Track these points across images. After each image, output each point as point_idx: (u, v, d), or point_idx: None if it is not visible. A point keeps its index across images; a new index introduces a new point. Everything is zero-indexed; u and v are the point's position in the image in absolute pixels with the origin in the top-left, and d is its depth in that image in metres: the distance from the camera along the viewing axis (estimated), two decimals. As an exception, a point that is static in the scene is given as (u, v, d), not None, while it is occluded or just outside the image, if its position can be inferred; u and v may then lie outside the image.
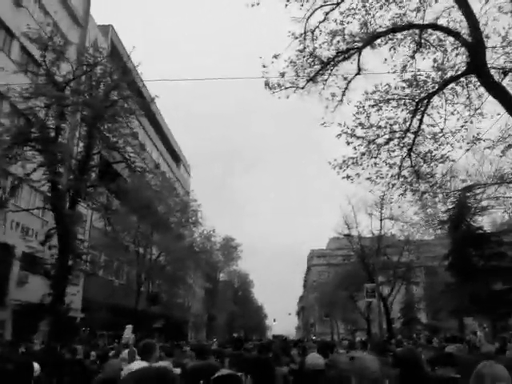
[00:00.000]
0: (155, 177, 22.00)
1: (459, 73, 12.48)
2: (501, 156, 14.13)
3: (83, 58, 16.18)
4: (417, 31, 12.97)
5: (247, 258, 74.24)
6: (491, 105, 13.02)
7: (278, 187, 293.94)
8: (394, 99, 13.77)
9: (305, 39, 12.65)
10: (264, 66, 12.42)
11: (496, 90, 11.06)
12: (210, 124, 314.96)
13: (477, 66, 11.18)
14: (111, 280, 30.32)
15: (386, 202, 28.21)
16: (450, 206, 24.57)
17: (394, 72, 13.89)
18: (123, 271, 32.59)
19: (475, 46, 11.09)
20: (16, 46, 20.03)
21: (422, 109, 13.42)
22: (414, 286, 39.83)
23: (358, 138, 14.10)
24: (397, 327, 38.17)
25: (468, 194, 22.85)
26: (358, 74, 13.26)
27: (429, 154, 14.23)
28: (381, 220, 31.17)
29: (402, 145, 14.29)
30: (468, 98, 13.04)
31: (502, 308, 19.79)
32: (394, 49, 13.68)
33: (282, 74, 12.66)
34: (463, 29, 12.11)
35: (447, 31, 12.23)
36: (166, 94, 19.54)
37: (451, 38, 13.10)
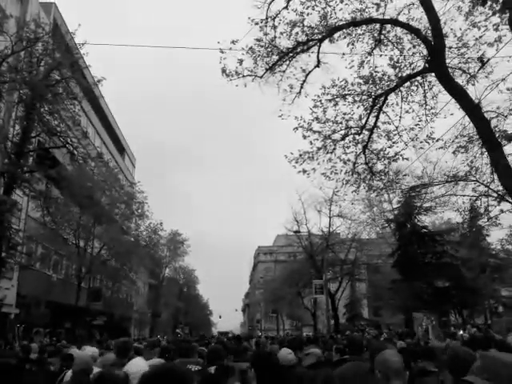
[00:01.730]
0: (98, 166, 20.68)
1: (417, 71, 12.59)
2: (454, 155, 14.40)
3: (23, 33, 14.79)
4: (377, 26, 12.93)
5: (193, 254, 72.97)
6: (444, 105, 13.31)
7: (224, 183, 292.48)
8: (350, 94, 13.71)
9: (266, 25, 12.23)
10: (222, 52, 11.89)
11: (454, 90, 11.18)
12: (155, 114, 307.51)
13: (436, 64, 11.25)
14: (49, 274, 28.48)
15: (336, 199, 28.82)
16: (396, 206, 25.32)
17: (351, 67, 13.84)
18: (62, 265, 30.76)
19: (435, 44, 11.16)
20: None
21: (379, 105, 13.45)
22: (358, 283, 40.86)
23: (315, 132, 13.94)
24: (341, 323, 38.86)
25: (413, 194, 23.57)
26: (316, 66, 13.05)
27: (382, 152, 14.32)
28: (330, 217, 31.61)
29: (356, 141, 14.30)
30: (424, 96, 13.19)
31: (445, 304, 20.58)
32: (353, 44, 13.63)
33: (241, 61, 12.19)
34: (422, 27, 12.21)
35: (408, 28, 12.25)
36: (111, 80, 18.36)
37: (409, 37, 13.22)
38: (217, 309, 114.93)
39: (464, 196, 17.25)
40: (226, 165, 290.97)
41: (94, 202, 20.93)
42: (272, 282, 48.22)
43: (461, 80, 12.79)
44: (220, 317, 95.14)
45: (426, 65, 12.16)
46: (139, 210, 27.85)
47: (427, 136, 13.66)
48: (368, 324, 40.31)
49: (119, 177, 32.70)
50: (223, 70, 12.31)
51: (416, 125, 13.66)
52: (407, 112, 13.72)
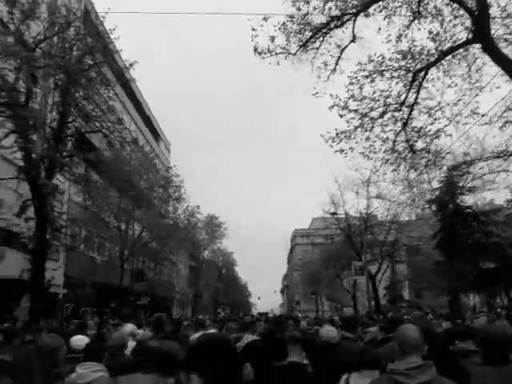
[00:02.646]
0: (134, 151, 20.96)
1: (460, 42, 11.82)
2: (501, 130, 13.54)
3: (54, 18, 14.94)
4: (416, -3, 12.19)
5: (230, 236, 73.86)
6: (489, 78, 12.48)
7: (258, 165, 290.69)
8: (388, 70, 13.10)
9: (298, 0, 11.75)
10: (253, 29, 11.58)
11: (502, 59, 10.42)
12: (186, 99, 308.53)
13: (481, 34, 10.50)
14: (93, 257, 29.53)
15: (374, 179, 28.08)
16: (437, 186, 24.34)
17: (388, 42, 13.18)
18: (105, 248, 31.79)
19: (480, 13, 10.40)
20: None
21: (419, 81, 12.79)
22: (398, 265, 40.03)
23: (351, 110, 13.48)
24: (382, 304, 38.33)
25: (456, 173, 22.57)
26: (352, 41, 12.53)
27: (423, 130, 13.71)
28: (368, 199, 30.88)
29: (396, 119, 13.75)
30: (468, 69, 12.40)
31: (492, 286, 19.81)
32: (390, 18, 12.95)
33: (273, 38, 11.84)
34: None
35: (450, -4, 11.47)
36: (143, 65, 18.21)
37: (450, 8, 12.40)
38: (256, 291, 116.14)
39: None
40: (256, 148, 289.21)
41: (133, 186, 21.31)
42: (310, 264, 48.07)
43: (506, 51, 11.93)
44: (259, 298, 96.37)
45: (470, 36, 11.39)
46: (176, 194, 28.23)
47: (471, 111, 12.92)
48: (409, 306, 39.58)
49: (155, 161, 33.22)
50: (255, 48, 12.01)
51: (459, 100, 12.94)
52: (449, 87, 13.00)
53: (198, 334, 6.24)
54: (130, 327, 7.02)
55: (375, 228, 32.40)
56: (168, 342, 3.73)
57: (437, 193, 23.99)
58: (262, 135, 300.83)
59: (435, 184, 24.40)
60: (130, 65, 15.59)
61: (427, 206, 25.84)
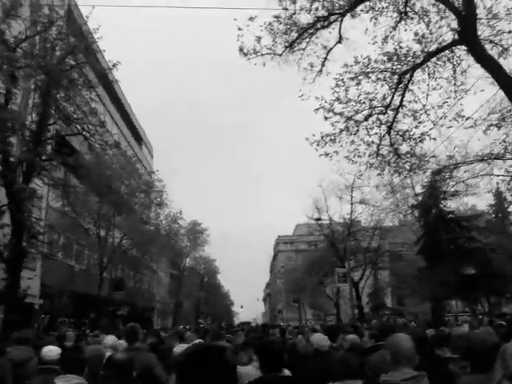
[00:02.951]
0: (116, 154, 20.50)
1: (446, 44, 11.89)
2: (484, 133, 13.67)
3: (36, 17, 14.55)
4: (403, -4, 12.24)
5: (213, 244, 73.19)
6: (474, 80, 12.59)
7: (240, 170, 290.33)
8: (374, 72, 13.11)
9: (285, -1, 11.66)
10: (239, 29, 11.44)
11: (487, 61, 10.49)
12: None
13: (467, 35, 10.57)
14: (71, 265, 28.71)
15: (358, 184, 28.20)
16: (421, 191, 24.54)
17: (374, 43, 13.22)
18: (84, 255, 30.99)
19: (466, 13, 10.47)
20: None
21: (404, 83, 12.82)
22: (381, 272, 40.17)
23: (336, 113, 13.43)
24: (365, 312, 38.30)
25: (439, 178, 22.77)
26: (338, 42, 12.51)
27: (407, 133, 13.73)
28: (351, 204, 30.94)
29: (380, 122, 13.76)
30: (454, 71, 12.49)
31: (474, 292, 19.88)
32: (376, 19, 13.00)
33: (259, 39, 11.71)
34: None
35: (437, -5, 11.54)
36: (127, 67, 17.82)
37: (436, 8, 12.49)
38: (238, 299, 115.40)
39: (498, 176, 16.44)
40: (240, 154, 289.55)
41: (113, 191, 20.83)
42: (293, 271, 47.85)
43: (492, 53, 12.07)
44: (242, 307, 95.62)
45: (456, 37, 11.47)
46: (158, 199, 27.77)
47: (456, 114, 13.00)
48: (392, 313, 39.69)
49: (137, 166, 32.66)
50: (241, 49, 11.87)
51: (444, 102, 13.00)
52: (434, 89, 13.09)
53: (180, 346, 6.07)
54: (110, 339, 6.63)
55: (358, 234, 32.45)
56: (141, 353, 3.51)
57: (420, 198, 24.18)
58: (245, 139, 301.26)
59: (418, 189, 24.65)
60: (114, 65, 15.26)
61: (410, 211, 26.02)
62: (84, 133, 16.32)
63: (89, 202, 20.57)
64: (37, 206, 18.32)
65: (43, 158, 15.43)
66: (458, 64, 12.82)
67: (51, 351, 4.42)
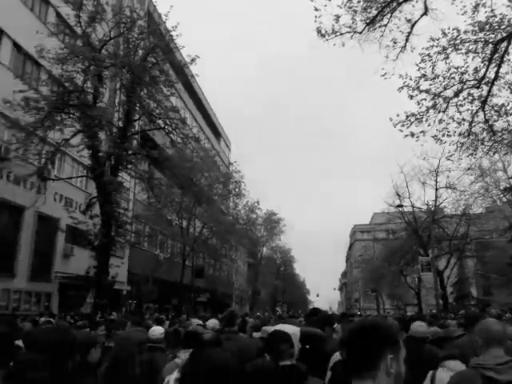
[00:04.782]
0: (196, 149, 21.10)
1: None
2: None
3: (119, 18, 15.26)
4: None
5: (288, 233, 73.37)
6: None
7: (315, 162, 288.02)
8: (464, 43, 12.08)
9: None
10: (316, 10, 11.06)
11: None
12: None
13: None
14: (156, 254, 30.19)
15: (442, 169, 26.62)
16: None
17: (464, 13, 12.17)
18: (167, 245, 32.42)
19: None
20: (52, 12, 19.42)
21: (500, 53, 11.70)
22: (467, 261, 37.84)
23: (422, 91, 12.61)
24: (449, 303, 36.38)
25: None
26: (424, 14, 11.65)
27: (504, 108, 12.58)
28: (436, 189, 29.23)
29: (472, 97, 12.68)
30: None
31: None
32: (466, -16, 11.95)
33: (337, 17, 11.24)
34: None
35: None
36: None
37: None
38: (314, 288, 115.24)
39: None
40: (312, 144, 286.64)
41: (194, 183, 21.46)
42: (370, 260, 46.57)
43: None
44: (318, 295, 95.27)
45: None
46: (236, 190, 28.22)
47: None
48: (477, 304, 37.29)
49: (216, 159, 33.45)
50: (318, 30, 11.47)
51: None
52: (534, 57, 11.79)
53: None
54: (195, 321, 7.28)
55: (443, 221, 30.64)
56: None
57: (513, 181, 22.27)
58: (320, 133, 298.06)
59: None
60: (192, 60, 15.60)
61: (503, 194, 24.05)
62: (166, 127, 16.90)
63: (172, 194, 21.38)
64: (124, 198, 19.41)
65: (129, 152, 16.25)
66: None
67: (157, 331, 4.85)
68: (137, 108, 15.99)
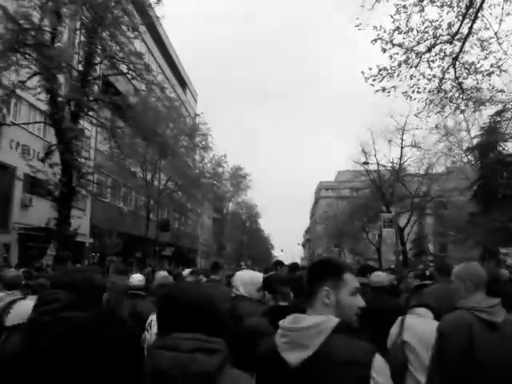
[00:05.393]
0: (161, 98, 20.20)
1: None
2: None
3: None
4: None
5: (254, 188, 73.69)
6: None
7: (282, 120, 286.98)
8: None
9: None
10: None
11: None
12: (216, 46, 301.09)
13: None
14: (119, 206, 29.60)
15: (409, 128, 26.90)
16: (478, 133, 23.10)
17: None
18: (131, 197, 31.82)
19: None
20: None
21: (475, 8, 11.51)
22: (427, 218, 39.23)
23: (395, 45, 12.39)
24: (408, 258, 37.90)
25: (499, 119, 21.32)
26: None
27: (474, 66, 12.55)
28: (401, 147, 29.70)
29: (444, 53, 12.57)
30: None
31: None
32: None
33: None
34: None
35: None
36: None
37: None
38: (278, 243, 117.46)
39: None
40: (288, 97, 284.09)
41: (159, 134, 20.77)
42: (334, 217, 47.61)
43: None
44: (282, 250, 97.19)
45: None
46: (203, 142, 27.66)
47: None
48: (434, 260, 39.04)
49: (182, 110, 32.42)
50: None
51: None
52: (509, 14, 11.69)
53: None
54: (162, 273, 7.36)
55: (406, 179, 31.39)
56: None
57: (475, 141, 22.80)
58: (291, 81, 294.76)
59: (474, 132, 23.23)
60: (158, 0, 14.60)
61: (465, 154, 24.69)
62: (130, 72, 16.04)
63: (135, 145, 20.66)
64: (85, 147, 18.57)
65: (90, 98, 15.38)
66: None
67: (135, 278, 5.08)
68: (98, 50, 14.97)
